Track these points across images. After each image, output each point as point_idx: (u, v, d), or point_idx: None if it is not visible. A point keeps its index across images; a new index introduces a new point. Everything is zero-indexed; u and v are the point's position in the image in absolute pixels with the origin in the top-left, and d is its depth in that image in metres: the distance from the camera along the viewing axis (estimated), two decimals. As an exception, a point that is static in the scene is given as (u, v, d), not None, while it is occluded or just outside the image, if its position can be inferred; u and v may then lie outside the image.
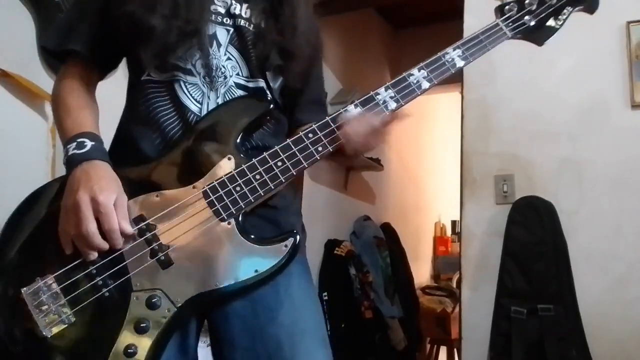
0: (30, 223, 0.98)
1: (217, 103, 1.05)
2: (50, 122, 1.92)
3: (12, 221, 0.99)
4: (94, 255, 0.92)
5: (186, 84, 1.04)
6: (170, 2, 1.01)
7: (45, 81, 1.85)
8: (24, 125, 1.88)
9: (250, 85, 1.09)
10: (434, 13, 3.88)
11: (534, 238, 2.11)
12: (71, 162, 0.96)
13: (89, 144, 0.97)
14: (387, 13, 4.28)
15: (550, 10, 1.16)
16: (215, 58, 1.05)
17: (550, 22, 1.17)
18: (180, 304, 0.94)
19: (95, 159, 0.96)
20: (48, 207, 0.99)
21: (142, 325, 0.92)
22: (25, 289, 0.92)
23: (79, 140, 0.97)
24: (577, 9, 1.18)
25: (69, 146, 0.97)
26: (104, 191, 0.91)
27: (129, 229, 0.93)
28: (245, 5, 1.10)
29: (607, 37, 2.16)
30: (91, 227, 0.90)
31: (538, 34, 1.16)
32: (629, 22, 2.14)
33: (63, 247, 0.93)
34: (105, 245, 0.91)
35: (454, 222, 5.45)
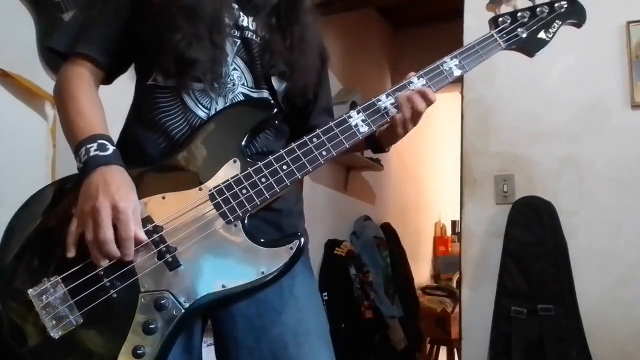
0: (36, 223, 0.98)
1: None
2: (50, 122, 1.91)
3: (18, 220, 0.98)
4: (105, 262, 0.92)
5: (194, 90, 1.05)
6: (204, 29, 1.01)
7: (45, 81, 1.85)
8: (24, 125, 1.88)
9: (255, 95, 1.09)
10: (434, 13, 3.89)
11: (534, 238, 2.11)
12: (90, 163, 0.94)
13: (110, 147, 0.97)
14: (387, 13, 4.29)
15: (541, 23, 1.20)
16: (224, 66, 1.05)
17: (541, 35, 1.20)
18: (187, 305, 0.95)
19: (115, 164, 0.96)
20: (56, 207, 0.99)
21: (150, 326, 0.93)
22: (31, 290, 0.92)
23: (100, 141, 0.97)
24: (566, 22, 1.22)
25: (89, 146, 0.95)
26: (124, 199, 0.91)
27: (144, 237, 0.93)
28: (252, 18, 1.10)
29: (607, 37, 2.17)
30: (108, 234, 0.90)
31: (529, 46, 1.20)
32: (629, 22, 2.14)
33: (66, 248, 0.92)
34: (118, 254, 0.91)
35: (454, 222, 5.46)
